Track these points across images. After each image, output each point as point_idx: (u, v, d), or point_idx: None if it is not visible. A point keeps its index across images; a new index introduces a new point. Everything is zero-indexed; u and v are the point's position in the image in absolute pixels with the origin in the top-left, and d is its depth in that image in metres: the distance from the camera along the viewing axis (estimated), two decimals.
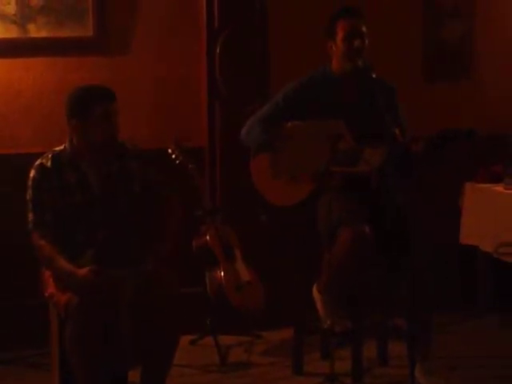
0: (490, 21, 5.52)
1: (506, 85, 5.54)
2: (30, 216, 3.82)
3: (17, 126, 4.92)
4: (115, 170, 3.91)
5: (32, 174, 3.85)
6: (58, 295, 3.71)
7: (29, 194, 3.84)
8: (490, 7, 5.52)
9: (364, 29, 4.18)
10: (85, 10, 4.90)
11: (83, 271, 3.65)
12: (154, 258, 3.79)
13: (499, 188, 5.10)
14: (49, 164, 3.85)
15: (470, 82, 5.54)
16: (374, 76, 4.12)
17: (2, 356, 4.68)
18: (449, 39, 5.49)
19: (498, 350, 4.72)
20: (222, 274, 4.52)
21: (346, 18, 4.18)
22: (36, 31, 4.86)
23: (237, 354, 4.75)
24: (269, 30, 5.11)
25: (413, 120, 4.32)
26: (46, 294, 3.86)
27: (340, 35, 4.17)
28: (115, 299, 3.65)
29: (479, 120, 5.26)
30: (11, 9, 4.81)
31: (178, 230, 3.93)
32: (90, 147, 3.85)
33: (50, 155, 3.88)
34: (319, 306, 4.24)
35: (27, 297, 4.66)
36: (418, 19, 5.44)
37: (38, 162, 3.87)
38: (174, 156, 4.68)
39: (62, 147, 3.91)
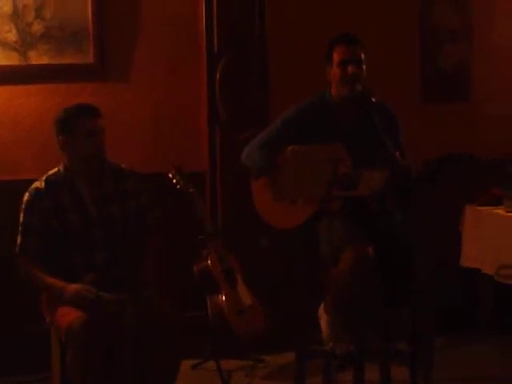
0: (487, 44, 5.55)
1: (503, 108, 5.56)
2: (18, 239, 3.88)
3: (17, 152, 4.94)
4: (110, 190, 3.94)
5: (25, 197, 3.92)
6: (59, 320, 3.70)
7: (21, 217, 3.90)
8: (487, 31, 5.55)
9: (361, 55, 4.21)
10: (85, 38, 4.94)
11: (74, 285, 3.68)
12: (153, 283, 3.81)
13: (500, 210, 5.10)
14: (42, 186, 3.90)
15: (468, 105, 5.57)
16: (373, 100, 4.15)
17: (4, 381, 4.68)
18: (446, 63, 5.52)
19: (498, 374, 4.71)
20: (224, 298, 4.51)
21: (342, 44, 4.22)
22: (37, 58, 4.90)
23: (239, 378, 4.74)
24: (268, 56, 5.14)
25: (411, 143, 4.34)
26: (47, 320, 3.86)
27: (336, 61, 4.21)
28: (116, 325, 3.64)
29: (477, 143, 5.27)
30: (12, 36, 4.85)
31: (154, 266, 3.97)
32: (79, 164, 3.90)
33: (43, 178, 3.94)
34: (324, 326, 4.22)
35: (28, 323, 4.65)
36: (415, 43, 5.47)
37: (32, 186, 3.93)
38: (174, 181, 4.69)
39: (55, 169, 3.97)
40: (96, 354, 3.56)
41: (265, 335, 4.58)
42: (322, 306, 4.26)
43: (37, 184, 3.92)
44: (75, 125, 3.86)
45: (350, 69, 4.17)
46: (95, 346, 3.56)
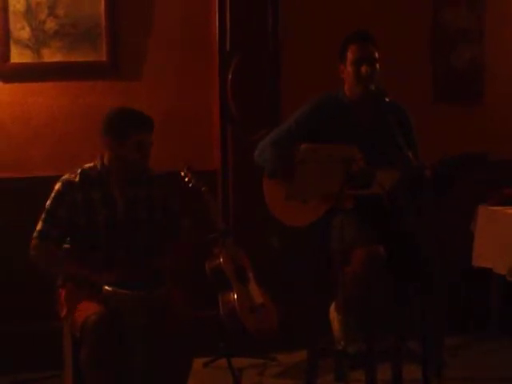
0: (500, 45, 5.55)
1: None
2: (39, 225, 3.88)
3: (29, 149, 4.95)
4: (142, 195, 3.96)
5: (57, 186, 3.91)
6: (76, 315, 3.70)
7: (47, 204, 3.89)
8: (500, 31, 5.55)
9: (375, 54, 4.20)
10: (98, 35, 4.95)
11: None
12: (168, 282, 3.81)
13: (511, 210, 5.11)
14: (76, 179, 3.90)
15: (481, 105, 5.56)
16: (386, 100, 4.14)
17: (16, 377, 4.67)
18: (458, 63, 5.51)
19: (509, 373, 4.70)
20: (235, 296, 4.50)
21: (357, 43, 4.21)
22: (50, 56, 4.91)
23: (250, 376, 4.74)
24: (281, 54, 5.14)
25: (423, 143, 4.34)
26: (62, 315, 3.86)
27: (350, 59, 4.20)
28: (130, 322, 3.65)
29: (490, 143, 5.27)
30: (26, 33, 4.85)
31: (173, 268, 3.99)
32: (119, 164, 3.89)
33: (78, 171, 3.93)
34: (335, 325, 4.22)
35: (39, 320, 4.66)
36: (426, 43, 5.47)
37: (65, 176, 3.92)
38: (186, 179, 4.69)
39: (91, 164, 3.96)
40: (110, 350, 3.56)
41: (276, 333, 4.58)
42: (333, 305, 4.26)
43: (71, 176, 3.91)
44: (126, 133, 3.83)
45: (363, 69, 4.16)
46: (110, 342, 3.56)
